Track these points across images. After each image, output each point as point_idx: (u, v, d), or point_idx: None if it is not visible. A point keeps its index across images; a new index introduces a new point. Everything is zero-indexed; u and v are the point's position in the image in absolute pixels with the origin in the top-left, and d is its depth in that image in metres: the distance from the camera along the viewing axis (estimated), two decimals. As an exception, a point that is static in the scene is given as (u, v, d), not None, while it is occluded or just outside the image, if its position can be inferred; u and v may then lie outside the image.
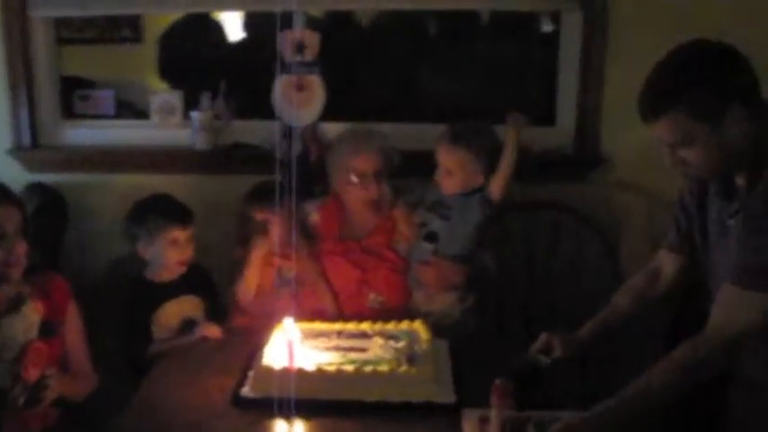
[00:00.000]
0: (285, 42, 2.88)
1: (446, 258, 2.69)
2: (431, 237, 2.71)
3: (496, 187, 2.64)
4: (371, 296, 2.77)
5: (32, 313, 2.20)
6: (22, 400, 2.08)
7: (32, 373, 2.11)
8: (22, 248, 2.14)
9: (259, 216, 2.72)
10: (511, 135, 2.60)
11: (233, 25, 4.23)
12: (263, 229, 2.69)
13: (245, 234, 2.80)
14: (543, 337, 2.19)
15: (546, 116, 3.27)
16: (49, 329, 2.22)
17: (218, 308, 2.78)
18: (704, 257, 2.06)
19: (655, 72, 1.86)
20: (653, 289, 2.23)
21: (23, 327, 2.16)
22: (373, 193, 2.76)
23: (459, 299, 2.71)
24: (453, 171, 2.65)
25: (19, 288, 2.19)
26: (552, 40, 3.32)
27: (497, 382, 1.84)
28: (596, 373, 2.43)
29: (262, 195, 2.69)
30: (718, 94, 1.78)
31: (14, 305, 2.17)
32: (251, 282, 2.75)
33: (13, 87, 3.20)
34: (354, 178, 2.74)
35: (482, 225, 2.68)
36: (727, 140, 1.79)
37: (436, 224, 2.71)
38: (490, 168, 2.67)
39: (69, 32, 3.98)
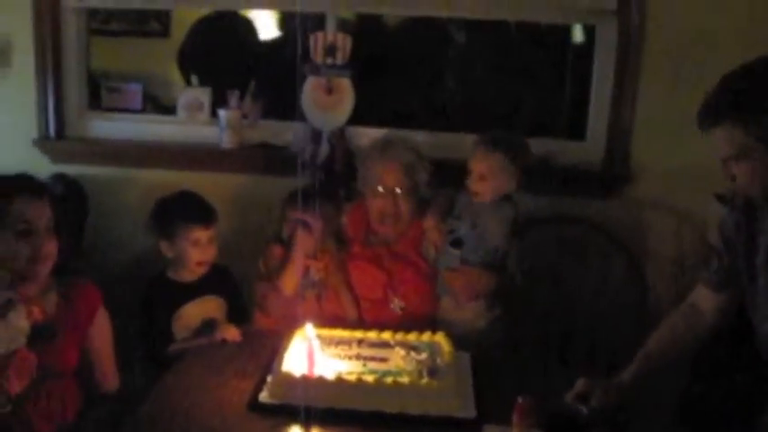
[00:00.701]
0: (316, 44, 2.87)
1: (474, 265, 2.66)
2: (457, 243, 2.68)
3: None
4: (395, 301, 2.74)
5: (20, 320, 2.08)
6: (7, 409, 2.01)
7: (16, 385, 2.04)
8: (51, 245, 2.11)
9: (295, 216, 2.67)
10: None
11: (263, 24, 4.21)
12: (305, 228, 2.65)
13: (282, 232, 2.76)
14: (581, 383, 2.03)
15: (576, 130, 3.23)
16: (44, 335, 2.11)
17: (241, 309, 2.76)
18: (750, 294, 1.96)
19: (726, 80, 1.77)
20: (692, 332, 2.13)
21: (8, 335, 2.06)
22: (389, 208, 2.74)
23: (487, 307, 2.67)
24: (487, 177, 2.61)
25: (10, 294, 2.08)
26: (584, 53, 3.28)
27: (520, 400, 1.81)
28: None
29: (300, 198, 2.65)
30: None
31: (0, 312, 2.06)
32: (294, 276, 2.66)
33: (41, 77, 3.20)
34: (380, 188, 2.72)
35: (509, 234, 2.64)
36: None
37: (463, 230, 2.68)
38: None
39: (96, 24, 3.97)
